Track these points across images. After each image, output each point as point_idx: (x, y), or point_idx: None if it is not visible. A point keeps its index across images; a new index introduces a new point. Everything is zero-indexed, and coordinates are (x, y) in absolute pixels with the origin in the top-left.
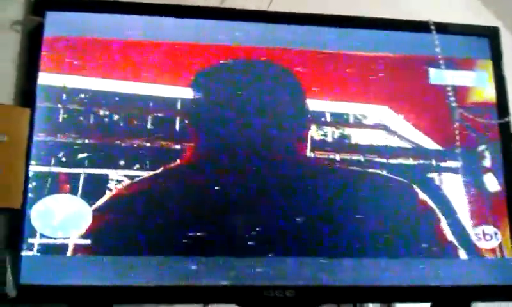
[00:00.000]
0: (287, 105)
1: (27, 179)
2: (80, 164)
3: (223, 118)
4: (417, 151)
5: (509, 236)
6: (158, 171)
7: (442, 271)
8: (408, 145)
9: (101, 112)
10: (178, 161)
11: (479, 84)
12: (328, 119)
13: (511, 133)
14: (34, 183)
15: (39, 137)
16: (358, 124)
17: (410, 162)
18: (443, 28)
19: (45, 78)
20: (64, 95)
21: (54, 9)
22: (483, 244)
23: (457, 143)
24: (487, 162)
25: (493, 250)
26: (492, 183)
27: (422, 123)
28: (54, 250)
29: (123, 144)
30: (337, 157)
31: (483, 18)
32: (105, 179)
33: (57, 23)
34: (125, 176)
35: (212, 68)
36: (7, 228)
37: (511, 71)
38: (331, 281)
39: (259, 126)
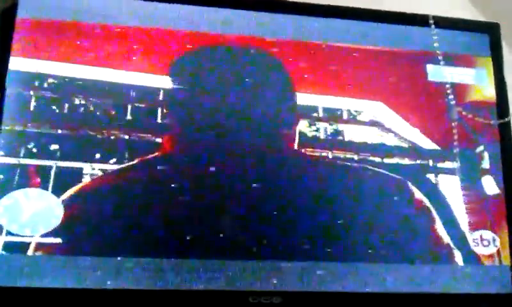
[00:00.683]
0: (274, 97)
1: None
2: (52, 155)
3: (205, 108)
4: (413, 151)
5: (508, 242)
6: (135, 163)
7: (436, 277)
8: (404, 144)
9: (76, 101)
10: (158, 154)
11: (478, 82)
12: (320, 114)
13: (511, 134)
14: (1, 176)
15: (7, 126)
16: (352, 120)
17: (406, 161)
18: (443, 23)
19: (16, 63)
20: (36, 82)
21: None
22: (481, 250)
23: (455, 143)
24: (486, 164)
25: (490, 256)
26: (491, 186)
27: (418, 121)
28: (19, 248)
29: (99, 136)
30: (329, 155)
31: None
32: (79, 173)
33: (32, 5)
34: (101, 170)
35: (194, 55)
36: None
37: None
38: (320, 287)
39: (244, 117)
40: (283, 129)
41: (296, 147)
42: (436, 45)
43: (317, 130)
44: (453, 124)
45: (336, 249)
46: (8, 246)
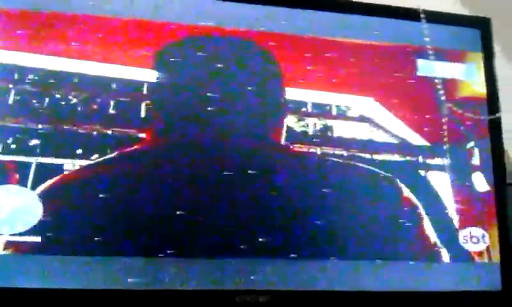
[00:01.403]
0: (262, 90)
1: None
2: (31, 151)
3: (189, 100)
4: (403, 147)
5: (497, 239)
6: (115, 158)
7: (426, 275)
8: (393, 140)
9: (57, 95)
10: (140, 147)
11: (469, 78)
12: (308, 109)
13: (501, 131)
14: None
15: None
16: (341, 116)
17: (396, 158)
18: (433, 17)
19: None
20: (16, 75)
21: None
22: (470, 247)
23: (445, 139)
24: (476, 160)
25: (480, 253)
26: (481, 182)
27: (408, 116)
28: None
29: (80, 131)
30: (318, 151)
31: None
32: (59, 169)
33: None
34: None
35: (179, 46)
36: None
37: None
38: (307, 286)
39: (231, 110)
40: (271, 123)
41: (283, 142)
42: (426, 39)
43: (306, 125)
44: (443, 120)
45: (323, 247)
46: None
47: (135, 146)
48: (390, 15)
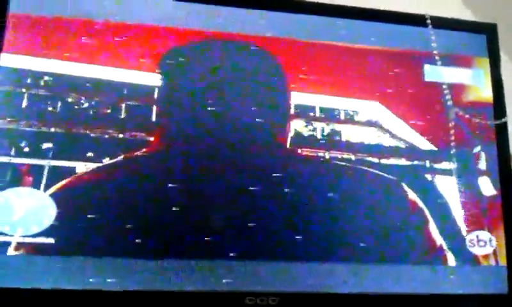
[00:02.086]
0: (268, 94)
1: None
2: (44, 155)
3: (196, 105)
4: (410, 151)
5: (504, 242)
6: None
7: (433, 278)
8: (400, 144)
9: (69, 99)
10: (148, 151)
11: (476, 83)
12: (315, 114)
13: (508, 135)
14: None
15: None
16: (348, 120)
17: (403, 162)
18: (440, 23)
19: (7, 60)
20: (29, 79)
21: None
22: (477, 250)
23: (452, 144)
24: (482, 165)
25: (487, 257)
26: (487, 186)
27: (415, 121)
28: (12, 249)
29: (92, 134)
30: (326, 155)
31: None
32: (72, 172)
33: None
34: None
35: (185, 51)
36: None
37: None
38: (316, 288)
39: (237, 115)
40: (277, 128)
41: (289, 146)
42: (433, 45)
43: (314, 129)
44: (450, 124)
45: (332, 250)
46: None
47: (144, 149)
48: (397, 21)
